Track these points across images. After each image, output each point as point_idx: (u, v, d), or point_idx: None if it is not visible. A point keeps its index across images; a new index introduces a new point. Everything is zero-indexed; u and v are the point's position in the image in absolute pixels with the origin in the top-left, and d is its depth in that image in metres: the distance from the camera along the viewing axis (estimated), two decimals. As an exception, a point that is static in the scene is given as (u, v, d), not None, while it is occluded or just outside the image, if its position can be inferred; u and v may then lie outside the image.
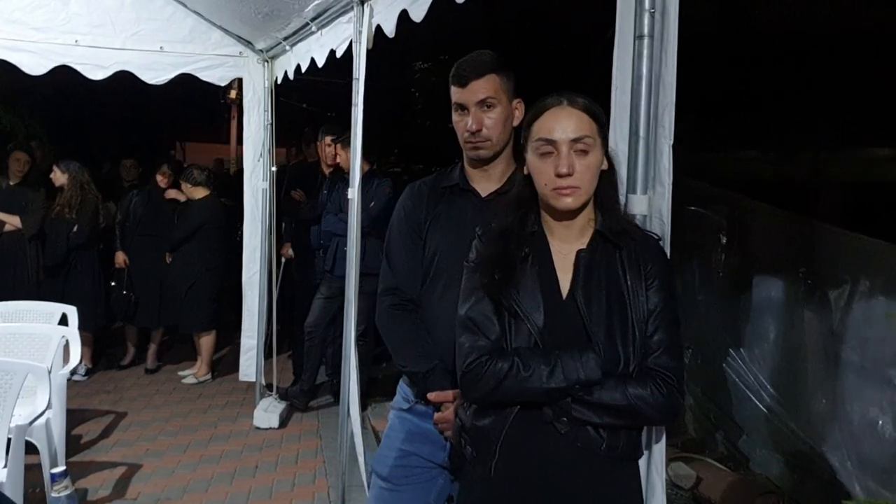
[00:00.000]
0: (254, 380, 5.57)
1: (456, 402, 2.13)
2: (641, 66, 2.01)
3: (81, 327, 5.70)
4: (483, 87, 2.26)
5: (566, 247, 1.93)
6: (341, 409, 3.88)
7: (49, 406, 3.97)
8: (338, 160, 5.52)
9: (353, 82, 3.79)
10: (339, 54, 4.16)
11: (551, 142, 1.85)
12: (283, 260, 6.26)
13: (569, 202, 1.85)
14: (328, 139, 5.86)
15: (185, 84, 6.41)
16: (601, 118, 1.92)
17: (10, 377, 3.55)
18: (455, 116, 2.32)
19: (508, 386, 1.79)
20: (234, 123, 16.97)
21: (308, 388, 5.61)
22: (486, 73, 2.26)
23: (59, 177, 6.01)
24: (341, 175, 5.70)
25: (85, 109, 12.98)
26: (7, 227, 6.02)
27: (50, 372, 4.02)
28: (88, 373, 6.28)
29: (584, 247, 1.92)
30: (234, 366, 6.19)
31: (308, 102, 13.23)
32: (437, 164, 9.20)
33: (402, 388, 2.46)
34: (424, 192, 2.45)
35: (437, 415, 2.28)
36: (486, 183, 2.36)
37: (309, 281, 5.92)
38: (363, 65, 3.74)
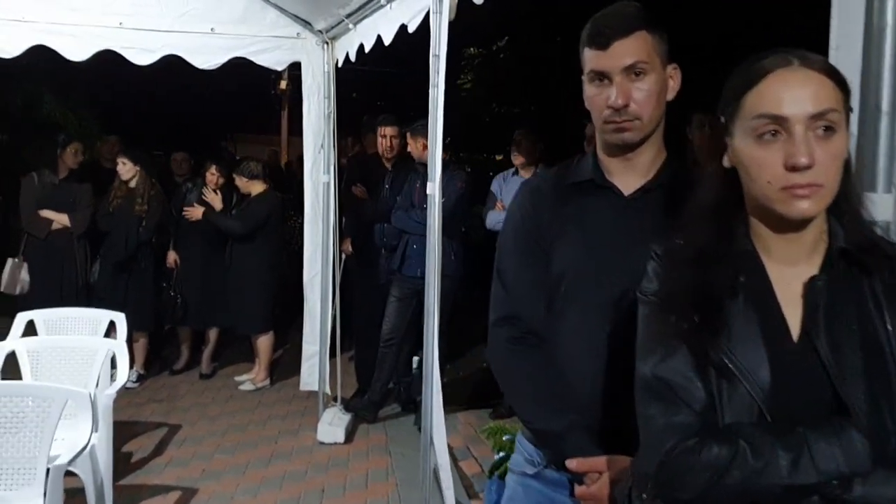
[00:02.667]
0: (316, 389, 5.04)
1: (623, 482, 1.53)
2: (886, 11, 1.39)
3: (137, 328, 5.30)
4: (631, 48, 1.63)
5: (790, 271, 1.30)
6: (423, 438, 3.29)
7: (95, 430, 3.49)
8: (409, 150, 4.96)
9: (432, 60, 3.23)
10: (411, 28, 3.59)
11: (780, 119, 1.21)
12: (343, 257, 5.72)
13: (806, 207, 1.22)
14: (387, 129, 5.30)
15: (237, 74, 5.87)
16: (846, 85, 1.28)
17: (48, 405, 3.04)
18: (590, 89, 1.70)
19: (732, 483, 1.17)
20: (284, 115, 16.62)
21: (378, 400, 5.06)
22: (634, 29, 1.63)
23: (128, 168, 5.55)
24: (408, 166, 5.15)
25: (130, 99, 12.67)
26: (55, 226, 5.55)
27: (94, 395, 3.54)
28: (140, 378, 5.82)
29: (816, 271, 1.30)
30: (292, 370, 5.82)
31: (356, 92, 12.73)
32: (495, 153, 8.60)
33: (524, 446, 1.85)
34: (546, 192, 1.83)
35: (580, 489, 1.67)
36: (629, 177, 1.74)
37: (370, 280, 5.37)
38: (444, 39, 3.18)
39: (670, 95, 1.70)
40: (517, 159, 5.15)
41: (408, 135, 4.92)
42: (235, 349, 6.50)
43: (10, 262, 5.59)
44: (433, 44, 3.17)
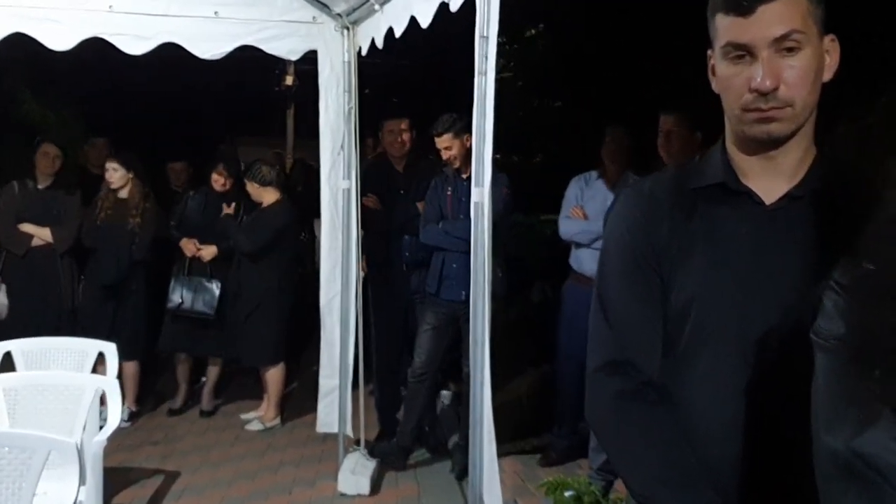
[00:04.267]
0: (335, 430, 4.81)
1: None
2: None
3: (127, 357, 5.10)
4: (783, 14, 1.39)
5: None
6: (471, 494, 3.05)
7: (82, 483, 3.28)
8: (449, 154, 4.67)
9: (478, 42, 3.05)
10: (454, 7, 3.37)
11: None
12: (362, 275, 5.48)
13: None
14: (395, 124, 5.14)
15: (237, 69, 5.70)
16: None
17: (28, 456, 2.83)
18: (725, 67, 1.46)
19: None
20: (290, 114, 16.47)
21: (408, 444, 4.82)
22: None
23: (120, 176, 5.38)
24: (425, 168, 4.92)
25: (118, 97, 12.54)
26: (36, 241, 5.39)
27: (81, 442, 3.34)
28: (132, 417, 5.61)
29: None
30: (306, 407, 5.59)
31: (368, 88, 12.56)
32: (533, 153, 8.35)
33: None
34: (661, 199, 1.59)
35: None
36: (771, 180, 1.50)
37: (391, 303, 5.20)
38: (495, 17, 2.98)
39: (827, 75, 1.46)
40: (608, 161, 4.79)
41: (449, 135, 4.67)
42: (240, 382, 6.32)
43: (-16, 283, 5.40)
44: (480, 24, 2.98)
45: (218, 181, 5.71)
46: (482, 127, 3.03)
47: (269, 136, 16.96)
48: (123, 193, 5.41)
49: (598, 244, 4.61)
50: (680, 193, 1.57)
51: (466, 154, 4.50)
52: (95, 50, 4.49)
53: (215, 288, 5.52)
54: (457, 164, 4.60)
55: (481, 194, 3.06)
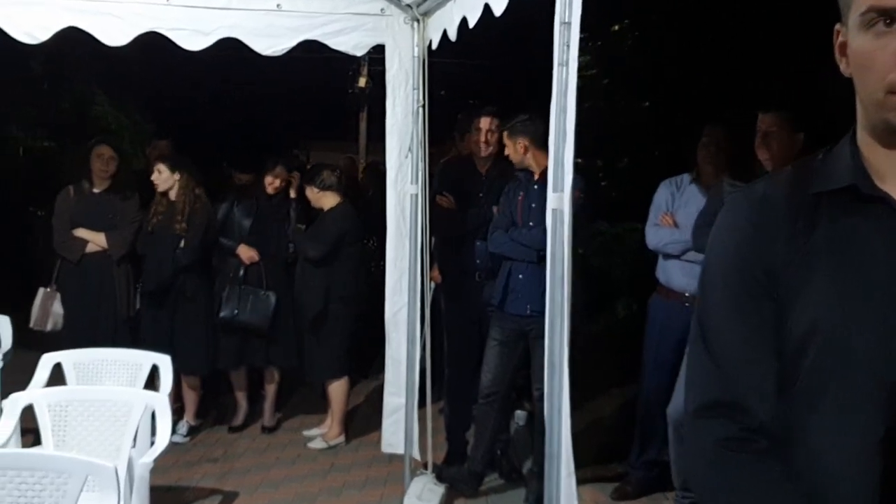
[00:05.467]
0: (401, 451, 4.62)
1: None
2: None
3: (187, 371, 5.01)
4: None
5: None
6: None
7: (125, 507, 3.15)
8: (506, 154, 4.49)
9: (559, 30, 2.83)
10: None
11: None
12: (433, 286, 5.28)
13: None
14: (485, 121, 4.86)
15: (309, 70, 5.59)
16: None
17: (65, 481, 2.70)
18: (865, 41, 1.20)
19: None
20: (363, 116, 16.49)
21: (480, 470, 4.60)
22: None
23: (165, 178, 5.29)
24: (505, 171, 4.70)
25: (186, 101, 12.68)
26: (90, 248, 5.34)
27: (130, 459, 3.22)
28: (192, 431, 5.52)
29: None
30: (371, 424, 5.49)
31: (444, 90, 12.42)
32: (616, 157, 8.03)
33: None
34: (777, 207, 1.33)
35: None
36: (917, 183, 1.25)
37: (463, 315, 4.99)
38: (577, 1, 2.76)
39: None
40: (704, 163, 4.48)
41: (504, 134, 4.48)
42: (302, 395, 6.20)
43: (41, 292, 5.40)
44: (560, 9, 2.77)
45: (271, 185, 5.59)
46: (562, 124, 2.81)
47: (342, 140, 17.03)
48: (172, 196, 5.33)
49: (691, 255, 4.37)
50: (800, 200, 1.31)
51: (521, 159, 4.36)
52: (164, 51, 4.45)
53: (271, 299, 5.40)
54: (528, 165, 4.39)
55: (560, 200, 2.84)
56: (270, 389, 5.72)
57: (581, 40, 8.21)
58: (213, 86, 13.00)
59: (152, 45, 4.29)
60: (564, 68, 2.80)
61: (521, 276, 4.28)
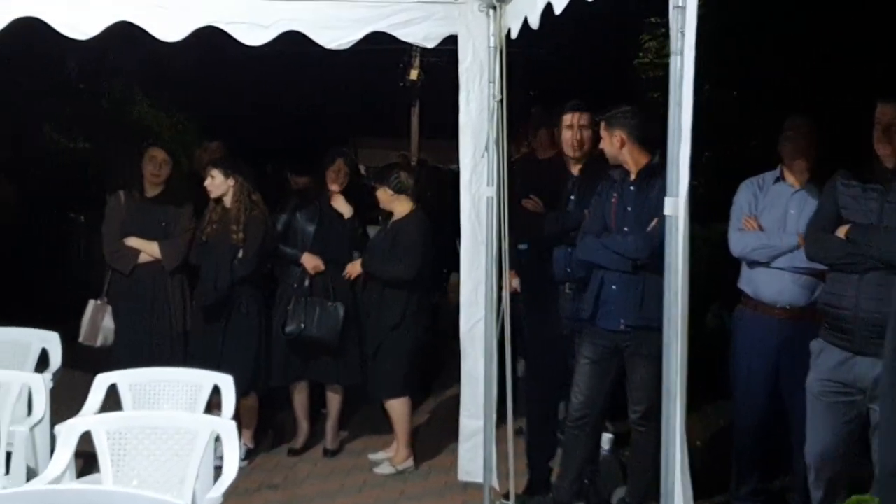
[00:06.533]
0: (479, 480, 4.51)
1: None
2: None
3: (245, 390, 4.95)
4: None
5: None
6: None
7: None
8: (601, 147, 4.34)
9: (673, 15, 2.67)
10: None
11: None
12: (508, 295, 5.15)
13: None
14: (578, 117, 4.70)
15: (358, 63, 5.50)
16: None
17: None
18: None
19: None
20: (414, 111, 16.42)
21: (567, 501, 4.45)
22: None
23: (219, 183, 5.23)
24: (598, 173, 4.54)
25: (231, 97, 12.69)
26: (142, 258, 5.31)
27: (192, 497, 3.13)
28: (249, 455, 5.45)
29: None
30: (441, 446, 5.50)
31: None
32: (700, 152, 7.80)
33: None
34: None
35: None
36: None
37: (547, 329, 4.85)
38: None
39: None
40: (790, 159, 4.29)
41: (602, 125, 4.31)
42: (365, 414, 6.12)
43: (90, 304, 5.39)
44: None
45: (334, 182, 5.53)
46: (677, 120, 2.69)
47: (392, 137, 16.97)
48: (227, 203, 5.26)
49: (781, 262, 4.18)
50: None
51: (616, 153, 4.21)
52: (208, 46, 4.43)
53: (339, 311, 5.31)
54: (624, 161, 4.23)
55: (675, 206, 2.68)
56: (333, 409, 5.64)
57: (657, 25, 8.10)
58: (255, 82, 13.03)
59: (193, 40, 4.23)
60: (680, 58, 2.68)
61: (614, 287, 4.12)
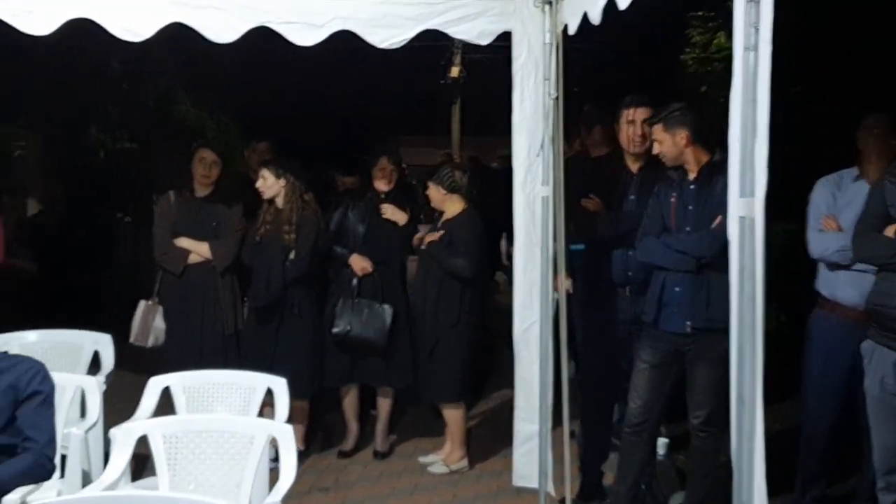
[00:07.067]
0: (534, 485, 4.46)
1: None
2: None
3: (297, 394, 4.91)
4: None
5: None
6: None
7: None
8: (659, 150, 4.23)
9: (745, 9, 2.59)
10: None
11: None
12: (556, 298, 5.08)
13: None
14: (639, 112, 4.58)
15: (399, 60, 5.51)
16: None
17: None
18: None
19: None
20: (455, 109, 16.36)
21: (625, 510, 4.38)
22: None
23: (270, 184, 5.22)
24: (658, 171, 4.46)
25: (272, 97, 12.71)
26: (193, 258, 5.30)
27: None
28: (300, 456, 5.40)
29: None
30: (493, 448, 5.44)
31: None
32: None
33: None
34: None
35: None
36: None
37: (604, 332, 4.77)
38: None
39: None
40: (876, 158, 4.16)
41: (658, 127, 4.20)
42: (414, 417, 6.09)
43: (141, 305, 5.40)
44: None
45: (381, 181, 5.47)
46: (751, 118, 2.60)
47: (433, 134, 16.92)
48: (279, 204, 5.24)
49: (863, 264, 4.06)
50: None
51: (679, 154, 4.10)
52: (251, 46, 4.42)
53: (387, 314, 5.28)
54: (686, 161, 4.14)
55: (750, 207, 2.61)
56: (383, 411, 5.60)
57: (712, 17, 7.94)
58: (297, 82, 13.06)
59: (237, 41, 4.22)
60: (753, 53, 2.58)
61: (677, 289, 4.03)
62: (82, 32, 4.09)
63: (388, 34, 4.33)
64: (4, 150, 9.87)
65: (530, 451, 4.52)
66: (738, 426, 2.70)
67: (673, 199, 4.18)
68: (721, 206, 3.87)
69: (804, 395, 4.45)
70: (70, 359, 4.71)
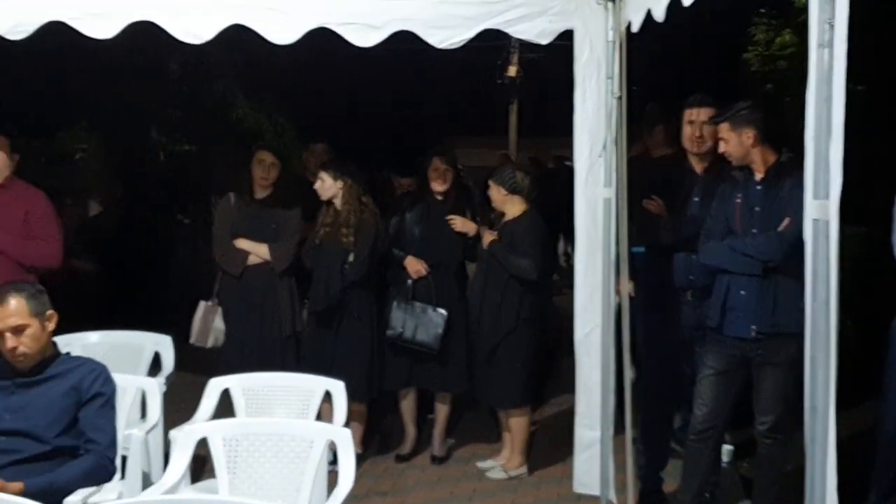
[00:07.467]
0: (596, 493, 4.41)
1: None
2: None
3: (355, 397, 4.92)
4: None
5: None
6: None
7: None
8: (722, 148, 4.16)
9: (819, 4, 2.54)
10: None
11: None
12: (618, 302, 5.00)
13: None
14: (702, 112, 4.50)
15: (455, 59, 5.50)
16: None
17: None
18: None
19: None
20: (513, 109, 16.29)
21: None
22: None
23: (328, 186, 5.23)
24: (724, 172, 4.37)
25: (328, 98, 12.77)
26: (252, 259, 5.32)
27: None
28: (357, 460, 5.41)
29: None
30: (553, 454, 5.38)
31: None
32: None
33: None
34: None
35: None
36: None
37: (665, 337, 4.71)
38: None
39: None
40: None
41: (725, 126, 4.11)
42: (471, 421, 6.04)
43: (201, 305, 5.46)
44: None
45: (437, 182, 5.44)
46: (825, 118, 2.55)
47: (490, 135, 16.86)
48: (338, 206, 5.25)
49: None
50: None
51: (746, 153, 4.02)
52: (308, 48, 4.42)
53: (441, 318, 5.26)
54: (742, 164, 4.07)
55: (824, 209, 2.54)
56: (441, 415, 5.56)
57: (776, 15, 7.74)
58: (353, 83, 13.14)
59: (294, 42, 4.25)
60: (827, 50, 2.52)
61: (742, 293, 3.95)
62: (143, 35, 4.16)
63: (446, 34, 4.30)
64: (66, 152, 10.07)
65: (591, 458, 4.47)
66: (811, 434, 2.65)
67: (738, 201, 4.10)
68: (788, 208, 3.83)
69: (883, 404, 4.32)
70: (131, 360, 4.76)
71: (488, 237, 5.18)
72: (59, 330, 3.52)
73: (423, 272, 5.35)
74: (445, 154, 5.66)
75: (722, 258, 4.07)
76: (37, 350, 3.29)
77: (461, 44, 4.36)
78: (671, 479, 4.74)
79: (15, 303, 3.23)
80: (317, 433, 3.50)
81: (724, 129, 4.09)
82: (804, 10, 7.53)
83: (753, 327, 3.91)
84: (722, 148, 4.13)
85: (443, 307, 5.28)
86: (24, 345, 3.24)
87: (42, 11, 4.02)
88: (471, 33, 4.32)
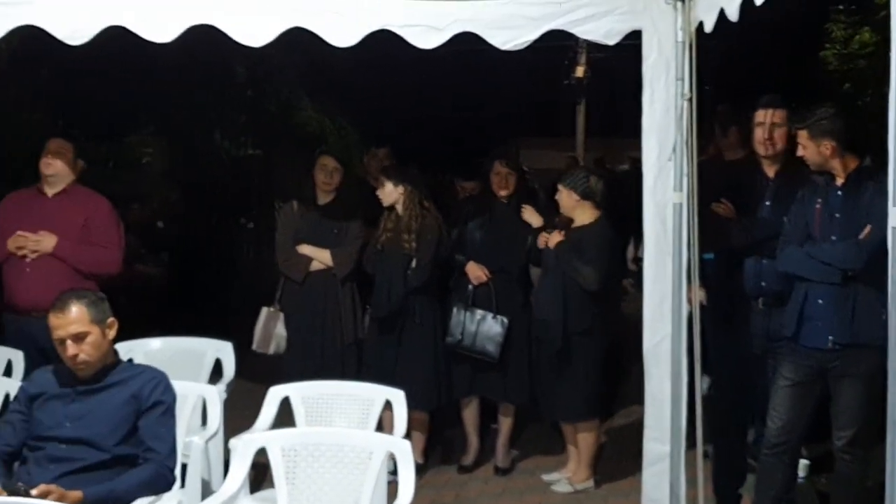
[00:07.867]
0: (666, 507, 4.29)
1: None
2: None
3: (418, 405, 4.89)
4: None
5: None
6: None
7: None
8: (800, 153, 4.03)
9: None
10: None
11: None
12: (689, 311, 4.89)
13: None
14: (771, 114, 4.39)
15: (521, 59, 5.45)
16: None
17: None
18: None
19: None
20: (580, 109, 16.16)
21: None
22: None
23: (389, 191, 5.23)
24: (797, 176, 4.25)
25: (390, 101, 12.77)
26: (314, 265, 5.35)
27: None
28: (418, 470, 5.38)
29: None
30: (620, 467, 5.30)
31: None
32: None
33: None
34: None
35: None
36: None
37: (736, 347, 4.61)
38: None
39: None
40: None
41: (803, 134, 3.99)
42: (535, 432, 5.97)
43: (264, 311, 5.49)
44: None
45: (499, 185, 5.40)
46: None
47: (556, 136, 16.74)
48: (399, 212, 5.24)
49: None
50: None
51: (824, 162, 3.92)
52: (371, 50, 4.40)
53: (501, 325, 5.20)
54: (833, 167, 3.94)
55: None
56: (505, 426, 5.52)
57: (854, 11, 7.53)
58: (417, 85, 13.12)
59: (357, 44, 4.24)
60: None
61: (820, 302, 3.85)
62: (207, 39, 4.18)
63: (511, 35, 4.24)
64: (132, 157, 10.25)
65: (661, 473, 4.33)
66: (892, 450, 2.57)
67: (818, 206, 3.99)
68: (870, 215, 3.70)
69: None
70: (193, 366, 4.81)
71: (556, 238, 5.10)
72: (125, 333, 3.55)
73: (484, 278, 5.30)
74: (507, 157, 5.62)
75: (800, 265, 3.98)
76: (97, 357, 3.31)
77: (526, 45, 4.29)
78: (749, 495, 4.62)
79: (76, 310, 3.26)
80: (376, 444, 3.48)
81: (803, 136, 4.00)
82: (884, 6, 7.39)
83: (831, 337, 3.81)
84: (800, 152, 4.04)
85: (505, 315, 5.23)
86: (84, 352, 3.25)
87: (100, 16, 4.06)
88: (535, 34, 4.24)
